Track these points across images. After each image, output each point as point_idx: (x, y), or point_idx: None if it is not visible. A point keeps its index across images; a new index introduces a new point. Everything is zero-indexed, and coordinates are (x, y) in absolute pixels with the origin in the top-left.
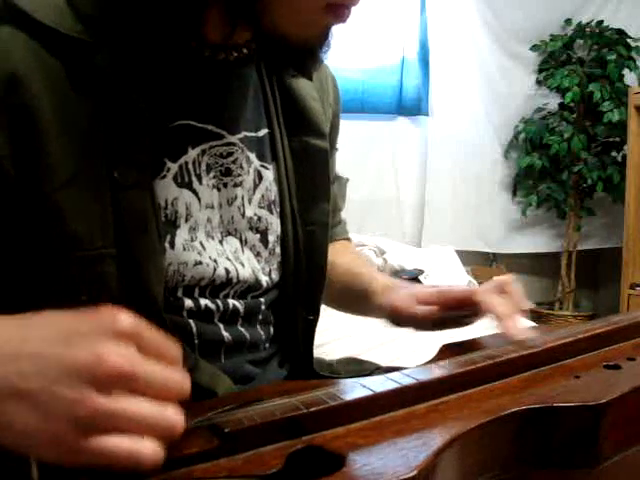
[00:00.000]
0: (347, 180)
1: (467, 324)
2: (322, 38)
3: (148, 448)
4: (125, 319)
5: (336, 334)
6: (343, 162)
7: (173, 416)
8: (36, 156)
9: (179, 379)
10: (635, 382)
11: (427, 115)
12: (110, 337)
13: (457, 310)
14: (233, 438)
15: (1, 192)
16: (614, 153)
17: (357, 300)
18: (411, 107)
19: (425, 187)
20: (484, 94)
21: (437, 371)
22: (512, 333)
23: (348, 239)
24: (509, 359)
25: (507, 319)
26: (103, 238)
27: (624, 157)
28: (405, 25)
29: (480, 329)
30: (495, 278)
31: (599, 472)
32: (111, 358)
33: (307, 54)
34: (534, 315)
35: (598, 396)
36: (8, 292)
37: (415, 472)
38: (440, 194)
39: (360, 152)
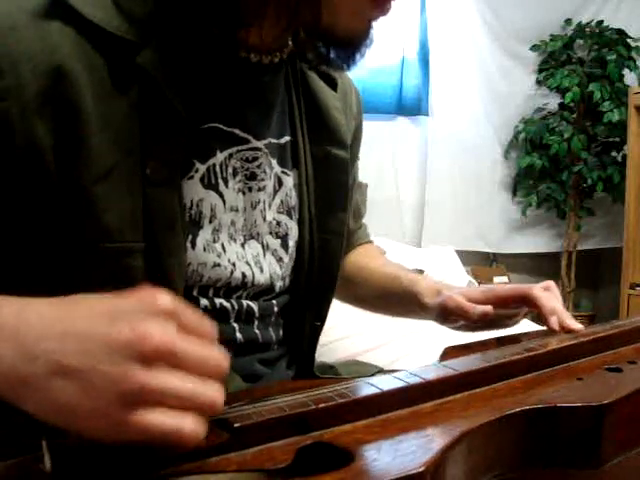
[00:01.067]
0: (367, 185)
1: (511, 325)
2: (366, 32)
3: (190, 424)
4: (165, 298)
5: (336, 335)
6: None
7: (213, 392)
8: (77, 148)
9: (218, 356)
10: (636, 384)
11: (427, 115)
12: (152, 315)
13: (504, 309)
14: (243, 433)
15: (39, 180)
16: (614, 153)
17: (398, 302)
18: (411, 107)
19: (425, 187)
20: (484, 94)
21: (443, 371)
22: (569, 327)
23: (371, 242)
24: (512, 361)
25: (562, 315)
26: (132, 232)
27: (624, 157)
28: (405, 25)
29: (483, 333)
30: (541, 283)
31: (602, 473)
32: (154, 335)
33: (352, 48)
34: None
35: (600, 397)
36: (34, 281)
37: (423, 468)
38: (440, 194)
39: (360, 152)
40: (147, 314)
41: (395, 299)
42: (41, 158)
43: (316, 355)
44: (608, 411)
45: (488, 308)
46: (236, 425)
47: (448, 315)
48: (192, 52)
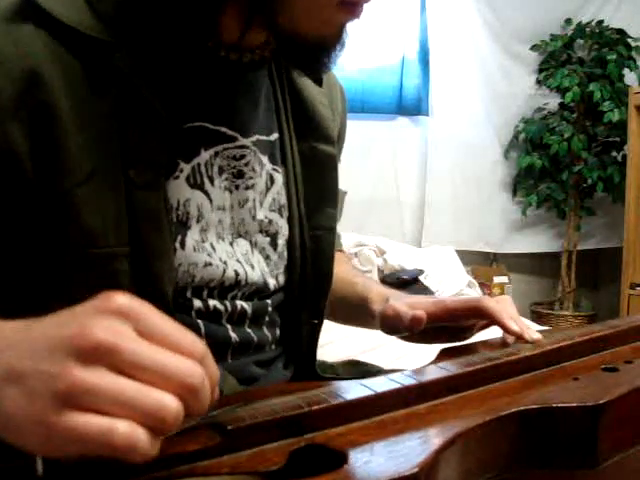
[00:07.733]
0: (345, 193)
1: (461, 339)
2: (337, 37)
3: (123, 428)
4: (122, 299)
5: (337, 335)
6: (343, 162)
7: (162, 401)
8: (55, 152)
9: (185, 368)
10: (633, 384)
11: (427, 115)
12: (103, 314)
13: (454, 322)
14: (235, 435)
15: (17, 187)
16: (614, 153)
17: (354, 309)
18: (411, 107)
19: (425, 187)
20: (484, 94)
21: (437, 372)
22: (525, 336)
23: (341, 251)
24: (508, 361)
25: (516, 323)
26: (117, 236)
27: (624, 157)
28: (405, 25)
29: (480, 334)
30: (495, 298)
31: (599, 473)
32: (94, 330)
33: (323, 53)
34: (534, 315)
35: (596, 397)
36: (19, 290)
37: (417, 469)
38: (440, 194)
39: (360, 152)
40: (96, 313)
41: (350, 306)
42: (18, 163)
43: (317, 354)
44: (604, 411)
45: (420, 313)
46: (229, 427)
47: (389, 324)
48: (167, 52)
